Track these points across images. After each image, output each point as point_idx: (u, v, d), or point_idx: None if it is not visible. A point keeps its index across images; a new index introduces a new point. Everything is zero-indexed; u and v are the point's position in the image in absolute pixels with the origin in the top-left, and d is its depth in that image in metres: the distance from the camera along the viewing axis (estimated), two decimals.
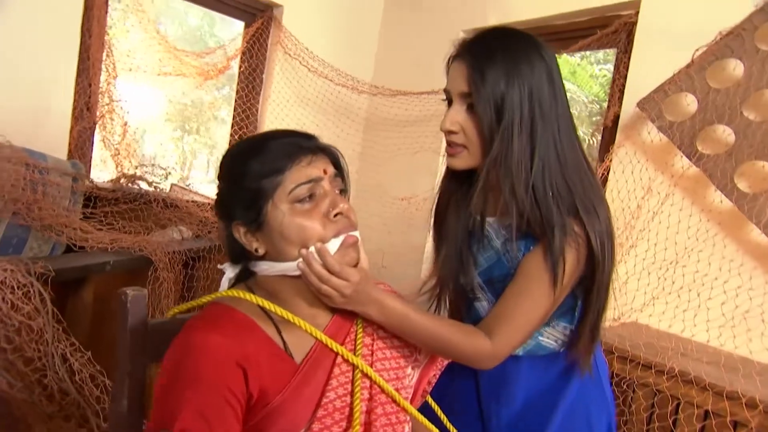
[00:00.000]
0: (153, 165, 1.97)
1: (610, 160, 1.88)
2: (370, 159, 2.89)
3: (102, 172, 2.47)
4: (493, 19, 2.36)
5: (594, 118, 6.89)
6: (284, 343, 0.73)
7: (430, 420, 0.91)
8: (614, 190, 1.82)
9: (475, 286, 0.98)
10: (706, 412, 1.28)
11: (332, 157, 0.79)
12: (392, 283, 3.02)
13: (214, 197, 0.82)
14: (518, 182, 0.84)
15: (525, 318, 0.86)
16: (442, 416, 0.97)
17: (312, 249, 0.71)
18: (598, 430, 0.98)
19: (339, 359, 0.76)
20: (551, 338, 0.96)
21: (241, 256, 0.79)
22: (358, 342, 0.79)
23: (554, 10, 2.16)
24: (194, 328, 0.69)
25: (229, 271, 0.82)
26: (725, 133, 1.57)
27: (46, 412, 1.13)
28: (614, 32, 2.00)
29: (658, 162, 1.72)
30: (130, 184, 1.86)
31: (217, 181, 0.81)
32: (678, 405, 1.34)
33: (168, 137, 8.19)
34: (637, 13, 1.91)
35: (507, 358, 0.88)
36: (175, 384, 0.65)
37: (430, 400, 0.97)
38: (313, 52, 2.58)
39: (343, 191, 0.79)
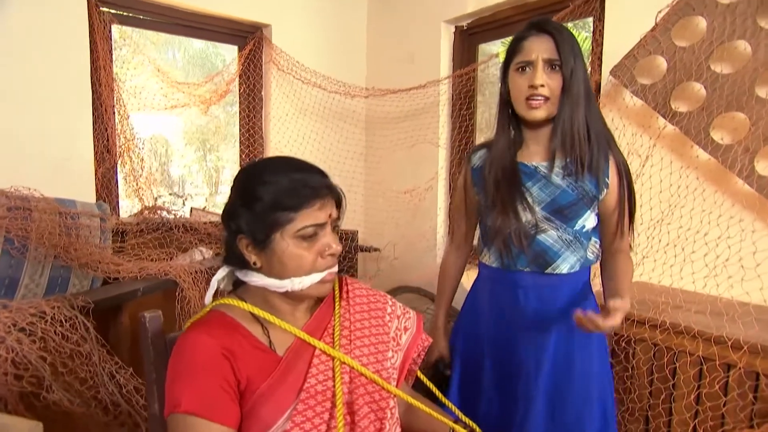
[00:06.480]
0: (171, 194, 2.14)
1: None
2: (372, 158, 2.99)
3: (130, 205, 2.69)
4: (471, 5, 2.42)
5: None
6: (269, 340, 0.87)
7: (423, 394, 1.05)
8: None
9: (539, 220, 1.16)
10: (700, 359, 1.36)
11: (336, 196, 0.90)
12: (407, 271, 3.13)
13: (224, 205, 0.92)
14: (583, 131, 1.12)
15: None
16: (433, 388, 1.10)
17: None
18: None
19: (318, 351, 0.88)
20: (593, 251, 1.22)
21: (237, 262, 0.89)
22: (335, 334, 0.91)
23: None
24: (187, 331, 0.83)
25: (221, 271, 0.93)
26: (696, 89, 1.61)
27: (103, 422, 1.32)
28: (587, 2, 2.04)
29: (638, 125, 1.77)
30: (152, 215, 2.04)
31: (229, 192, 0.91)
32: (674, 355, 1.41)
33: (192, 159, 8.56)
34: None
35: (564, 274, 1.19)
36: (176, 376, 0.79)
37: (420, 375, 1.10)
38: (306, 64, 2.69)
39: (337, 226, 0.91)
